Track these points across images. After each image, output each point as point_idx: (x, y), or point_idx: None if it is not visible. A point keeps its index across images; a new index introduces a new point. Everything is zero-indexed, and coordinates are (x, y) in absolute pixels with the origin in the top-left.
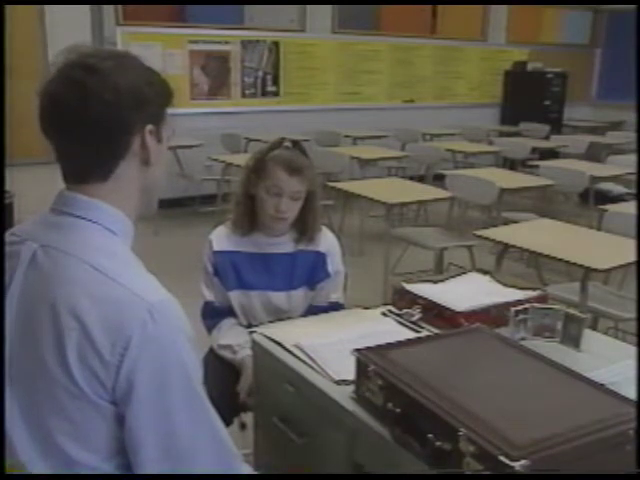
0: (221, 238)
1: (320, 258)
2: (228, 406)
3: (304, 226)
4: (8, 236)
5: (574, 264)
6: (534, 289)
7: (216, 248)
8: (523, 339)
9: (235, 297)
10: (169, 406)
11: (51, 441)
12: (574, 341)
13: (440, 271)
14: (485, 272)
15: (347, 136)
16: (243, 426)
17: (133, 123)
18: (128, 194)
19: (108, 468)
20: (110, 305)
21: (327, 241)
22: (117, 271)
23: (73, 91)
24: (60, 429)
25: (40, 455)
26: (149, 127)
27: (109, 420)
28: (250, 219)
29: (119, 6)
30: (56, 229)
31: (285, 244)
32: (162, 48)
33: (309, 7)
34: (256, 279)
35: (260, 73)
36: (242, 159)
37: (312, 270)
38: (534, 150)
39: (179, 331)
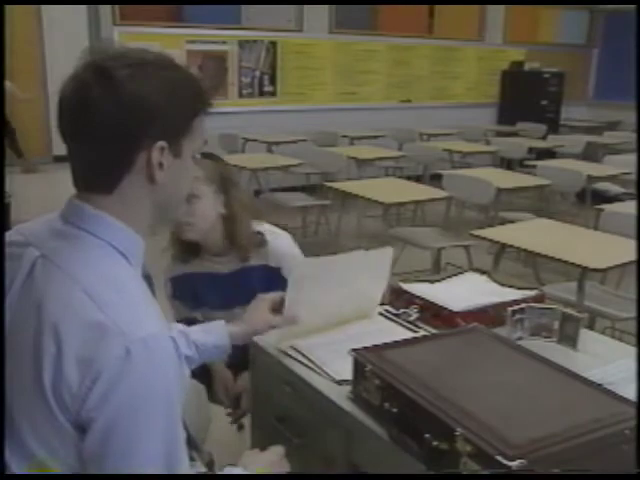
0: (171, 265)
1: (273, 272)
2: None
3: (233, 239)
4: (14, 234)
5: (571, 264)
6: (531, 289)
7: (169, 275)
8: (520, 339)
9: (200, 317)
10: (128, 451)
11: (29, 456)
12: (571, 341)
13: (437, 271)
14: (482, 272)
15: (344, 136)
16: (240, 427)
17: (139, 138)
18: (137, 209)
19: None
20: (89, 335)
21: (277, 250)
22: (108, 299)
23: (78, 94)
24: (38, 447)
25: (18, 467)
26: (160, 143)
27: (79, 445)
28: (187, 245)
29: (116, 6)
30: (60, 239)
31: (230, 263)
32: (159, 48)
33: (306, 7)
34: (216, 299)
35: (257, 73)
36: (240, 159)
37: (269, 284)
38: (531, 150)
39: (157, 371)
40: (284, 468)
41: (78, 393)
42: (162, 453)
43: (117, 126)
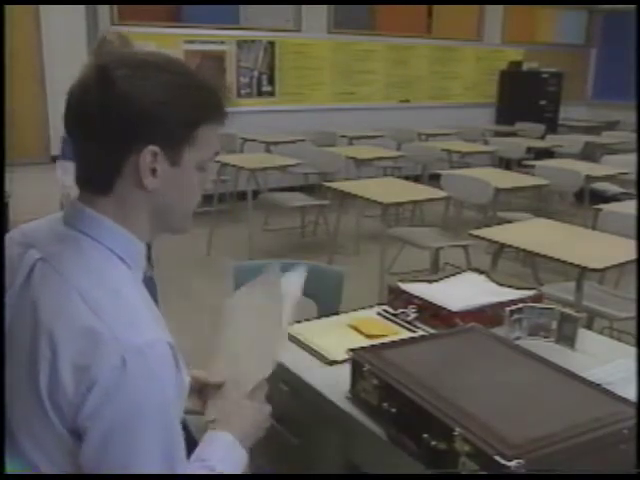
0: None
1: None
2: None
3: None
4: (17, 234)
5: (570, 264)
6: (530, 288)
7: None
8: (518, 339)
9: None
10: (124, 460)
11: (24, 459)
12: (569, 341)
13: (436, 271)
14: (481, 272)
15: (343, 136)
16: None
17: (127, 140)
18: (135, 214)
19: None
20: (85, 342)
21: None
22: (104, 304)
23: (78, 92)
24: (34, 450)
25: (14, 470)
26: (151, 148)
27: (75, 451)
28: None
29: (114, 6)
30: (60, 242)
31: None
32: (157, 48)
33: (305, 7)
34: None
35: (256, 73)
36: (238, 159)
37: None
38: (529, 150)
39: (153, 380)
40: (265, 425)
41: (74, 400)
42: (159, 461)
43: (106, 125)
